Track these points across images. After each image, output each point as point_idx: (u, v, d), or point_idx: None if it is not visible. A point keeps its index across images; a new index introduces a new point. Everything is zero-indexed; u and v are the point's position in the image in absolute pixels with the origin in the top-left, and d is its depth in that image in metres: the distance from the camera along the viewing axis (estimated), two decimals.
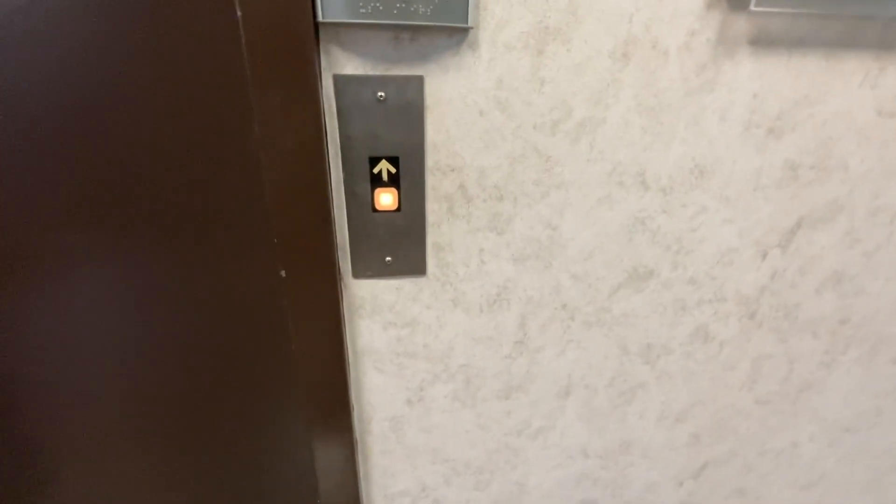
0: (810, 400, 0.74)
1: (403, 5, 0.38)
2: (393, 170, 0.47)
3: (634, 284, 0.59)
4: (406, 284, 0.54)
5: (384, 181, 0.47)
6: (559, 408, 0.67)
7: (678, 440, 0.74)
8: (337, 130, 0.45)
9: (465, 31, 0.42)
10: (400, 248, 0.51)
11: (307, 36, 0.39)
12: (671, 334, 0.63)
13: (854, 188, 0.57)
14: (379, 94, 0.44)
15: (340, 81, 0.43)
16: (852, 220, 0.59)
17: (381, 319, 0.56)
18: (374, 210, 0.49)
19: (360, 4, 0.38)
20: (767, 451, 0.79)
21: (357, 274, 0.52)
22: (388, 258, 0.51)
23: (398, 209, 0.49)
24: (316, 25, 0.40)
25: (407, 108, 0.45)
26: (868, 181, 0.57)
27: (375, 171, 0.47)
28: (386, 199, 0.48)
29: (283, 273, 0.49)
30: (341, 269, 0.52)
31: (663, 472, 0.77)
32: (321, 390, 0.58)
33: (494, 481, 0.72)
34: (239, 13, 0.39)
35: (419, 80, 0.44)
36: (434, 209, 0.50)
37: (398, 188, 0.48)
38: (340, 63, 0.43)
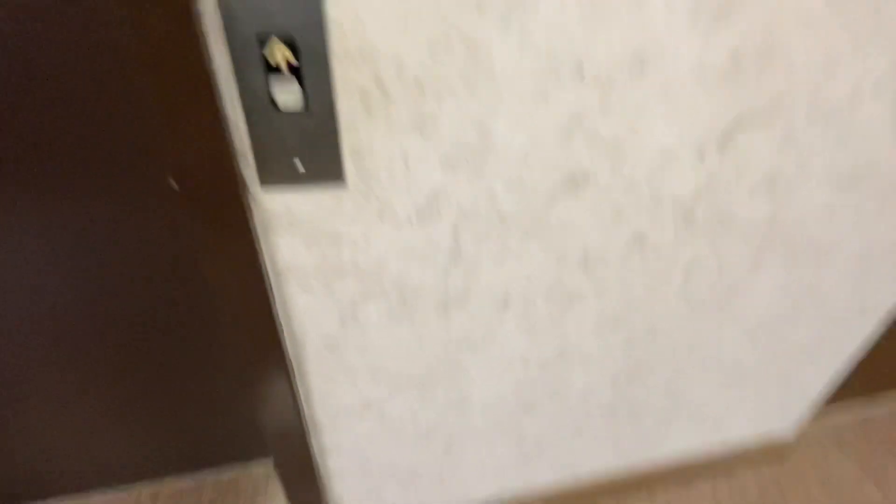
0: (737, 302, 0.78)
1: None
2: (291, 57, 0.40)
3: (572, 191, 0.56)
4: (324, 196, 0.49)
5: (281, 70, 0.40)
6: (498, 320, 0.67)
7: (613, 346, 0.77)
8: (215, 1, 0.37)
9: None
10: (312, 153, 0.45)
11: None
12: (608, 243, 0.63)
13: (796, 84, 0.54)
14: None
15: None
16: (792, 119, 0.57)
17: (301, 235, 0.51)
18: (275, 106, 0.42)
19: None
20: (695, 350, 0.84)
21: (266, 182, 0.46)
22: (299, 165, 0.46)
23: (304, 105, 0.42)
24: None
25: None
26: (810, 76, 0.54)
27: (268, 54, 0.39)
28: (286, 92, 0.41)
29: (174, 184, 0.43)
30: (246, 179, 0.46)
31: (599, 375, 0.82)
32: (244, 314, 0.54)
33: (438, 392, 0.73)
34: None
35: None
36: (347, 107, 0.44)
37: (300, 79, 0.41)
38: None
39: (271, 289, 0.54)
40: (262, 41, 0.39)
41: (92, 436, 0.99)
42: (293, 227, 0.50)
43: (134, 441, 1.03)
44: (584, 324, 0.72)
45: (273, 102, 0.42)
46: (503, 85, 0.46)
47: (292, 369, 0.62)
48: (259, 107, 0.42)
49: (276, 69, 0.41)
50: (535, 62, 0.45)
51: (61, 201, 0.61)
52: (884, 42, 0.53)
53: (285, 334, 0.59)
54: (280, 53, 0.39)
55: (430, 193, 0.52)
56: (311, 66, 0.41)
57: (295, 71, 0.41)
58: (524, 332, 0.69)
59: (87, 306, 0.77)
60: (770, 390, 1.02)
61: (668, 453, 1.08)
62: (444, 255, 0.57)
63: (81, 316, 0.78)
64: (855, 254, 0.77)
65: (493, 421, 0.81)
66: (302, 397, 0.67)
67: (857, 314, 0.90)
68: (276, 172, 0.46)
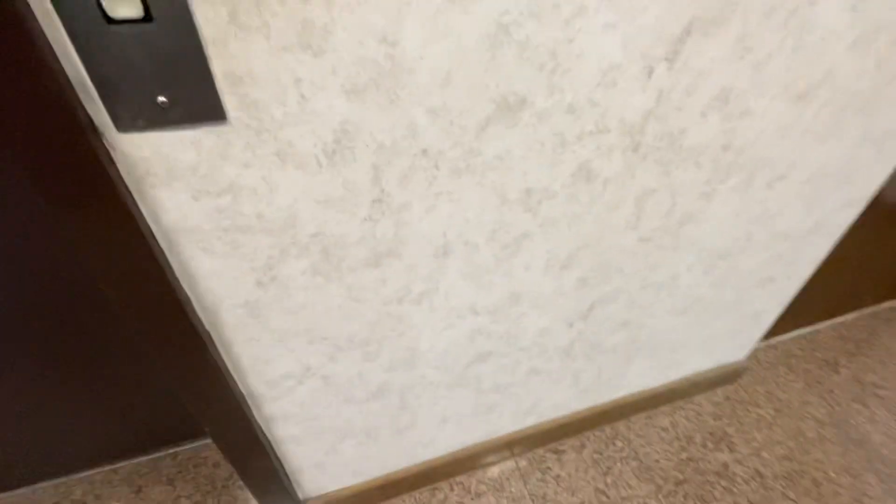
0: (690, 232, 0.75)
1: None
2: None
3: (505, 118, 0.49)
4: (205, 137, 0.40)
5: None
6: (439, 269, 0.61)
7: (566, 286, 0.74)
8: None
9: None
10: (172, 80, 0.36)
11: None
12: (552, 176, 0.57)
13: None
14: None
15: None
16: (746, 22, 0.51)
17: (186, 187, 0.43)
18: (110, 20, 0.33)
19: None
20: (649, 284, 0.82)
21: (122, 126, 0.37)
22: (161, 98, 0.37)
23: (147, 17, 0.33)
24: None
25: None
26: None
27: None
28: (121, 0, 0.32)
29: None
30: (98, 124, 0.37)
31: (554, 318, 0.79)
32: (135, 284, 0.46)
33: (384, 350, 0.69)
34: None
35: None
36: (208, 16, 0.35)
37: None
38: None
39: (162, 252, 0.46)
40: None
41: (38, 427, 0.92)
42: (174, 178, 0.42)
43: (81, 428, 0.97)
44: (533, 265, 0.67)
45: (105, 14, 0.32)
46: None
47: (211, 340, 0.56)
48: (86, 20, 0.32)
49: None
50: None
51: None
52: None
53: (194, 303, 0.52)
54: None
55: (338, 128, 0.44)
56: None
57: None
58: (469, 279, 0.64)
59: None
60: (725, 320, 1.03)
61: (629, 389, 1.10)
62: (365, 201, 0.50)
63: None
64: (808, 174, 0.75)
65: (446, 373, 0.78)
66: (231, 368, 0.61)
67: (809, 236, 0.89)
68: (133, 110, 0.37)
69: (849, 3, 0.54)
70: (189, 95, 0.37)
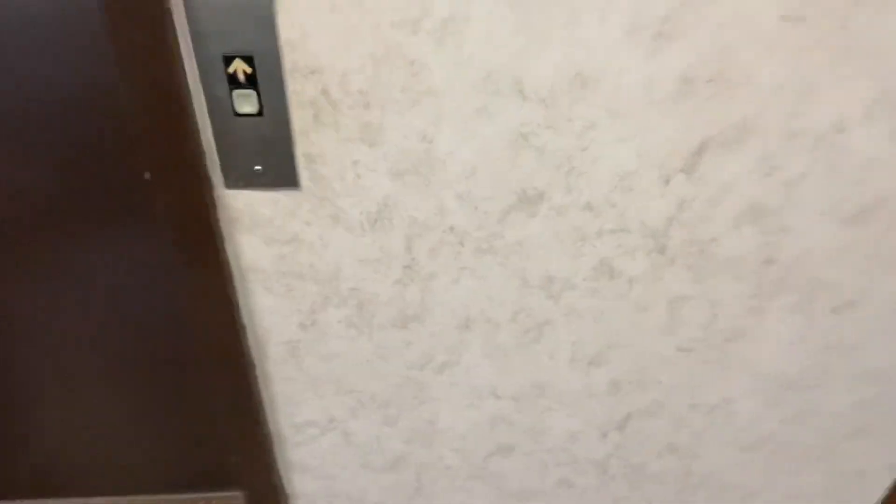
0: (740, 350, 0.70)
1: None
2: (249, 69, 0.46)
3: (525, 208, 0.56)
4: (282, 197, 0.53)
5: (241, 82, 0.47)
6: (461, 342, 0.65)
7: (596, 386, 0.71)
8: (187, 27, 0.44)
9: None
10: (268, 156, 0.51)
11: None
12: (573, 267, 0.61)
13: (765, 107, 0.52)
14: None
15: None
16: (766, 144, 0.55)
17: (261, 234, 0.55)
18: (236, 114, 0.48)
19: None
20: (698, 404, 0.75)
21: (229, 183, 0.52)
22: (258, 167, 0.51)
23: (260, 113, 0.48)
24: None
25: (256, 1, 0.44)
26: (780, 98, 0.52)
27: (230, 70, 0.46)
28: (246, 101, 0.48)
29: (147, 175, 0.50)
30: (212, 179, 0.52)
31: (584, 421, 0.75)
32: (211, 309, 0.58)
33: (402, 417, 0.71)
34: None
35: None
36: (299, 115, 0.49)
37: (257, 90, 0.47)
38: None
39: (234, 285, 0.58)
40: (227, 59, 0.46)
41: (92, 444, 1.05)
42: (255, 226, 0.55)
43: (133, 452, 1.08)
44: (557, 355, 0.68)
45: (234, 110, 0.48)
46: (444, 99, 0.49)
47: (255, 372, 0.65)
48: (222, 113, 0.48)
49: (237, 82, 0.47)
50: (473, 78, 0.48)
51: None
52: (859, 62, 0.51)
53: (248, 333, 0.62)
54: (239, 67, 0.46)
55: (381, 201, 0.55)
56: (266, 78, 0.47)
57: (252, 83, 0.47)
58: (490, 357, 0.67)
59: (80, 316, 0.85)
60: (814, 471, 0.86)
61: None
62: (398, 265, 0.59)
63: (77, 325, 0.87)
64: (887, 303, 0.67)
65: (465, 460, 0.77)
66: (266, 402, 0.68)
67: None
68: (238, 174, 0.52)
69: (887, 132, 0.55)
70: (277, 167, 0.51)
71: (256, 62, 0.46)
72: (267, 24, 0.44)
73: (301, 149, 0.51)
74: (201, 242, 0.53)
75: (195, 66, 0.46)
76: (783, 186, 0.57)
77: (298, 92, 0.48)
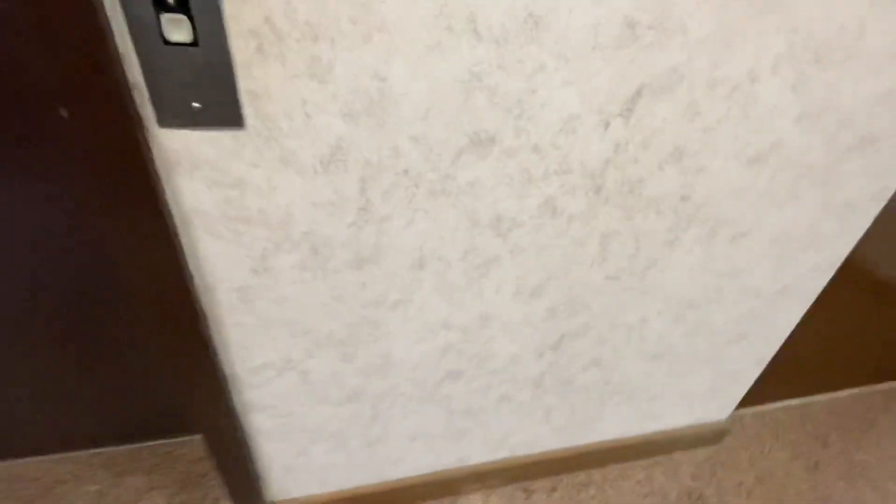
0: (656, 277, 0.81)
1: None
2: None
3: (477, 150, 0.58)
4: (224, 137, 0.50)
5: (170, 4, 0.41)
6: (415, 280, 0.68)
7: (535, 314, 0.79)
8: None
9: None
10: (208, 92, 0.46)
11: None
12: (520, 206, 0.65)
13: (693, 55, 0.57)
14: None
15: None
16: (692, 92, 0.60)
17: (203, 177, 0.52)
18: (166, 42, 0.43)
19: None
20: (619, 325, 0.87)
21: (162, 121, 0.47)
22: (196, 104, 0.47)
23: (195, 42, 0.44)
24: None
25: None
26: (707, 48, 0.57)
27: None
28: (177, 28, 0.42)
29: (64, 112, 0.44)
30: (143, 117, 0.47)
31: (523, 345, 0.84)
32: (153, 255, 0.55)
33: (359, 353, 0.75)
34: None
35: None
36: (240, 46, 0.45)
37: (190, 15, 0.42)
38: None
39: (176, 231, 0.55)
40: None
41: (34, 403, 0.99)
42: (195, 168, 0.51)
43: (73, 409, 1.03)
44: (503, 289, 0.74)
45: (164, 38, 0.43)
46: (396, 35, 0.48)
47: (205, 318, 0.63)
48: (148, 40, 0.43)
49: (165, 4, 0.42)
50: (426, 13, 0.47)
51: None
52: (773, 18, 0.56)
53: (196, 280, 0.60)
54: None
55: (334, 143, 0.53)
56: (200, 0, 0.42)
57: (184, 5, 0.42)
58: (442, 294, 0.71)
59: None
60: (702, 375, 1.05)
61: (604, 434, 1.11)
62: (352, 209, 0.59)
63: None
64: (771, 235, 0.80)
65: (418, 387, 0.83)
66: (219, 346, 0.68)
67: (779, 297, 0.93)
68: (173, 111, 0.47)
69: (789, 83, 0.62)
70: (217, 104, 0.47)
71: None
72: None
73: (244, 84, 0.47)
74: (135, 186, 0.49)
75: None
76: (702, 132, 0.64)
77: (238, 19, 0.44)
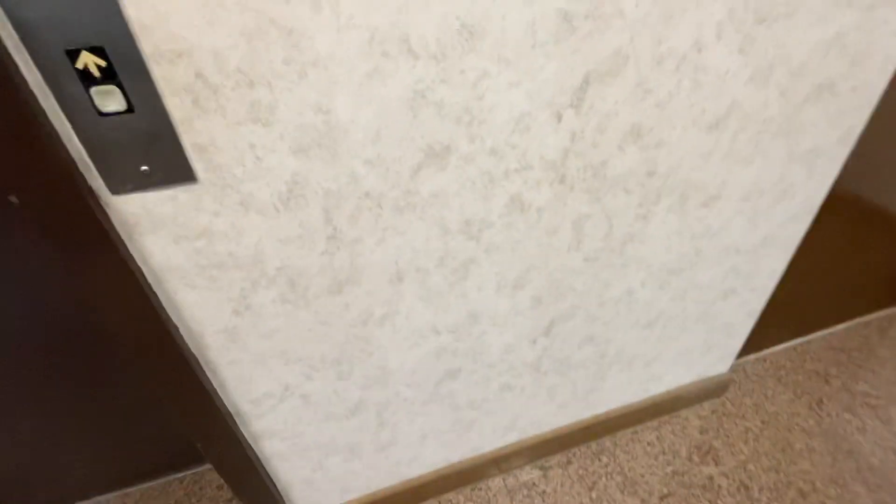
0: (634, 251, 0.82)
1: None
2: (102, 62, 0.41)
3: (434, 162, 0.58)
4: (180, 193, 0.50)
5: (97, 77, 0.41)
6: (396, 293, 0.69)
7: (521, 304, 0.81)
8: (4, 16, 0.37)
9: None
10: (153, 154, 0.47)
11: None
12: (487, 207, 0.65)
13: (635, 35, 0.57)
14: None
15: None
16: (639, 71, 0.60)
17: (166, 233, 0.53)
18: (101, 114, 0.43)
19: None
20: (606, 301, 0.88)
21: (114, 189, 0.48)
22: (144, 167, 0.47)
23: (130, 109, 0.44)
24: None
25: None
26: (647, 26, 0.56)
27: (79, 65, 0.40)
28: (109, 98, 0.42)
29: (14, 200, 0.44)
30: (94, 188, 0.47)
31: (516, 335, 0.85)
32: (129, 318, 0.56)
33: (355, 369, 0.76)
34: None
35: None
36: (176, 104, 0.45)
37: (119, 84, 0.42)
38: None
39: (152, 289, 0.56)
40: (71, 53, 0.40)
41: (50, 454, 1.02)
42: (157, 227, 0.52)
43: (90, 456, 1.06)
44: (485, 287, 0.75)
45: (97, 109, 0.43)
46: (332, 66, 0.47)
47: (197, 362, 0.65)
48: (83, 114, 0.43)
49: (92, 78, 0.42)
50: (359, 41, 0.47)
51: None
52: None
53: (181, 330, 0.61)
54: (89, 60, 0.41)
55: (290, 179, 0.53)
56: (126, 69, 0.42)
57: (111, 76, 0.42)
58: (426, 301, 0.72)
59: None
60: (695, 333, 1.07)
61: (610, 404, 1.14)
62: (321, 238, 0.59)
63: None
64: (741, 192, 0.81)
65: (419, 390, 0.85)
66: (217, 387, 0.69)
67: (760, 249, 0.94)
68: (122, 178, 0.47)
69: (735, 47, 0.62)
70: (166, 163, 0.48)
71: (109, 52, 0.41)
72: (109, 6, 0.39)
73: (188, 139, 0.47)
74: (98, 253, 0.50)
75: (32, 66, 0.40)
76: (656, 107, 0.64)
77: (169, 79, 0.44)
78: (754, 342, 1.32)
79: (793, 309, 1.50)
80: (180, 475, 1.18)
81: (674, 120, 0.66)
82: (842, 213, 1.15)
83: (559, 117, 0.60)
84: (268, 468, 0.86)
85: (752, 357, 1.39)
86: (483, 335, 0.82)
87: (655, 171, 0.71)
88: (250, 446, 0.79)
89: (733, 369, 1.33)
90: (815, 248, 1.12)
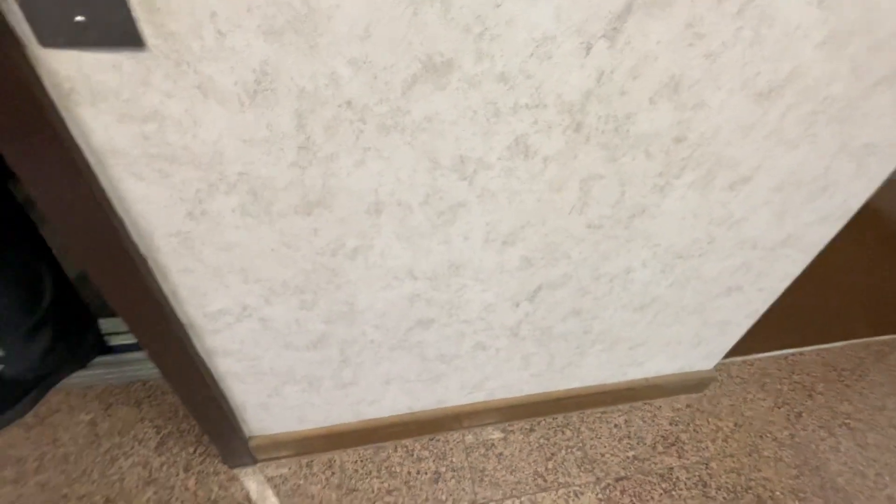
0: (643, 225, 0.74)
1: None
2: None
3: (432, 79, 0.49)
4: (125, 61, 0.43)
5: None
6: (373, 226, 0.63)
7: (509, 263, 0.74)
8: None
9: None
10: (91, 2, 0.38)
11: None
12: (487, 145, 0.57)
13: None
14: None
15: None
16: (694, 6, 0.49)
17: (109, 108, 0.45)
18: None
19: None
20: (601, 275, 0.82)
21: (43, 39, 0.40)
22: (79, 17, 0.39)
23: None
24: None
25: None
26: None
27: None
28: None
29: None
30: (20, 35, 0.40)
31: (498, 294, 0.80)
32: (69, 199, 0.50)
33: (320, 301, 0.71)
34: None
35: None
36: None
37: None
38: None
39: (91, 170, 0.49)
40: None
41: None
42: (98, 99, 0.44)
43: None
44: (472, 236, 0.68)
45: None
46: None
47: (147, 265, 0.59)
48: None
49: None
50: None
51: None
52: None
53: (128, 226, 0.55)
54: None
55: (258, 68, 0.45)
56: None
57: None
58: (405, 240, 0.66)
59: None
60: (688, 325, 1.01)
61: (584, 381, 1.10)
62: (291, 147, 0.52)
63: None
64: (777, 180, 0.72)
65: (387, 334, 0.81)
66: (169, 295, 0.65)
67: (781, 248, 0.86)
68: (52, 26, 0.39)
69: None
70: (106, 18, 0.39)
71: None
72: None
73: None
74: (26, 115, 0.43)
75: None
76: (704, 58, 0.54)
77: None
78: (745, 344, 1.27)
79: (792, 317, 1.44)
80: (145, 378, 1.17)
81: (721, 78, 0.57)
82: (868, 226, 1.06)
83: (588, 49, 0.50)
84: (221, 386, 0.83)
85: (739, 359, 1.34)
86: (463, 289, 0.76)
87: (686, 138, 0.62)
88: (203, 361, 0.76)
89: (718, 368, 1.29)
90: (831, 258, 1.04)
